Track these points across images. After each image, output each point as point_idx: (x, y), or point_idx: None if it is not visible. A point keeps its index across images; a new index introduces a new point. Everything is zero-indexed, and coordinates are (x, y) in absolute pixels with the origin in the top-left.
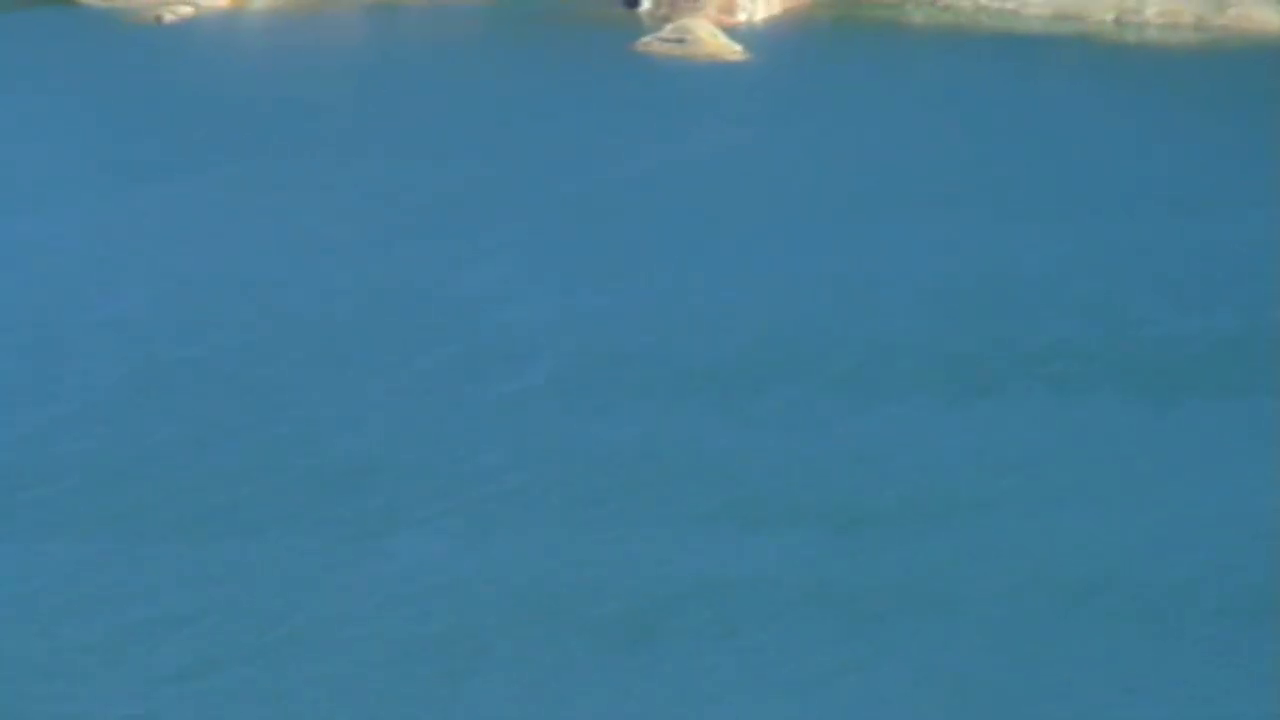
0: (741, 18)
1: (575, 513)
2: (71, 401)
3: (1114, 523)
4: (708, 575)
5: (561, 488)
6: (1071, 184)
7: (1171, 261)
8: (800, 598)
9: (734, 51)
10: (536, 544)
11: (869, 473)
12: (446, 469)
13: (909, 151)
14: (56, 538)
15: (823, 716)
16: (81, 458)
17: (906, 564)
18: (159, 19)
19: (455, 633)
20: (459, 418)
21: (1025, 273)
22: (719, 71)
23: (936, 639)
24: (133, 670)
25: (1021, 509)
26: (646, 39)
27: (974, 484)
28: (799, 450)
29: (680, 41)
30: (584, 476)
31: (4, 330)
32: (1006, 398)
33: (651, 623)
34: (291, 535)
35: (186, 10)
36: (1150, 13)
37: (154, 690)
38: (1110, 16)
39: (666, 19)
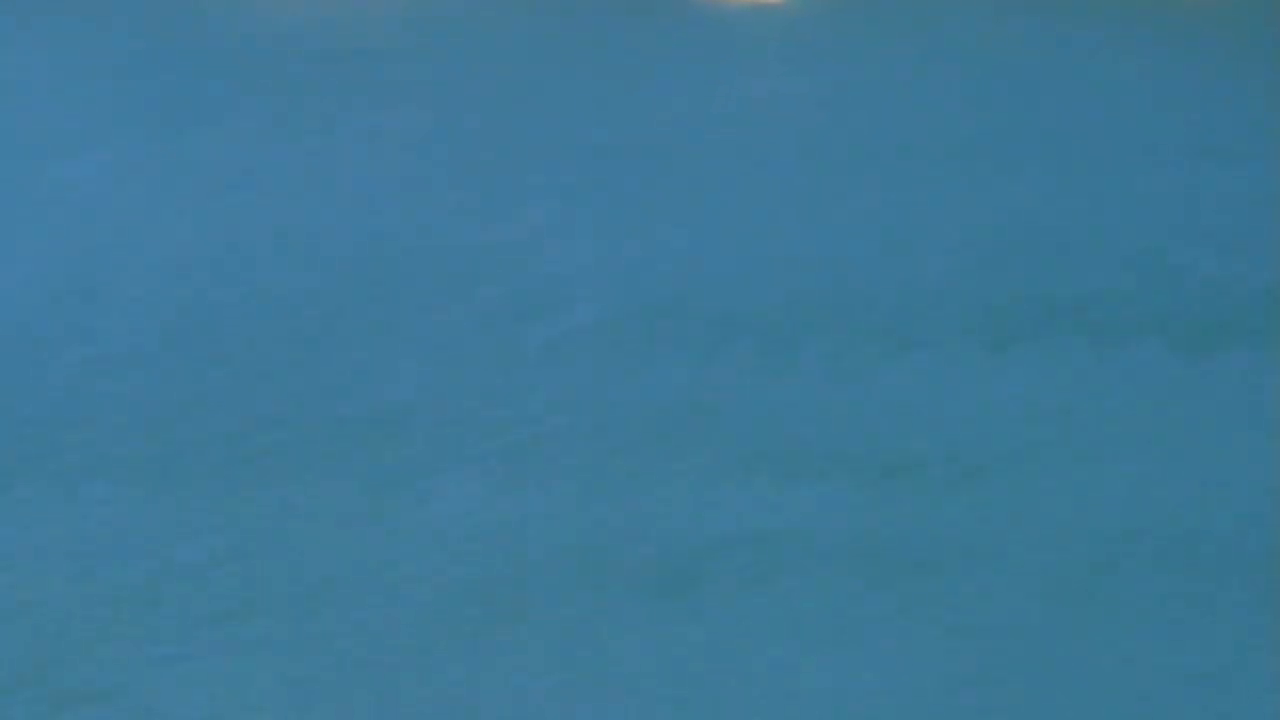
0: None
1: (613, 460)
2: (111, 344)
3: (1154, 473)
4: (745, 524)
5: (599, 435)
6: (1108, 135)
7: (1209, 209)
8: (838, 547)
9: None
10: (573, 490)
11: (906, 422)
12: (485, 414)
13: (945, 101)
14: (95, 480)
15: (860, 663)
16: (121, 400)
17: (944, 513)
18: None
19: (493, 579)
20: (496, 363)
21: (1063, 222)
22: (757, 13)
23: (975, 588)
24: (170, 613)
25: (1061, 458)
26: None
27: (1013, 433)
28: (836, 399)
29: None
30: (622, 423)
31: (43, 274)
32: (1044, 347)
33: (689, 570)
34: (331, 479)
35: None
36: None
37: (191, 634)
38: None
39: None
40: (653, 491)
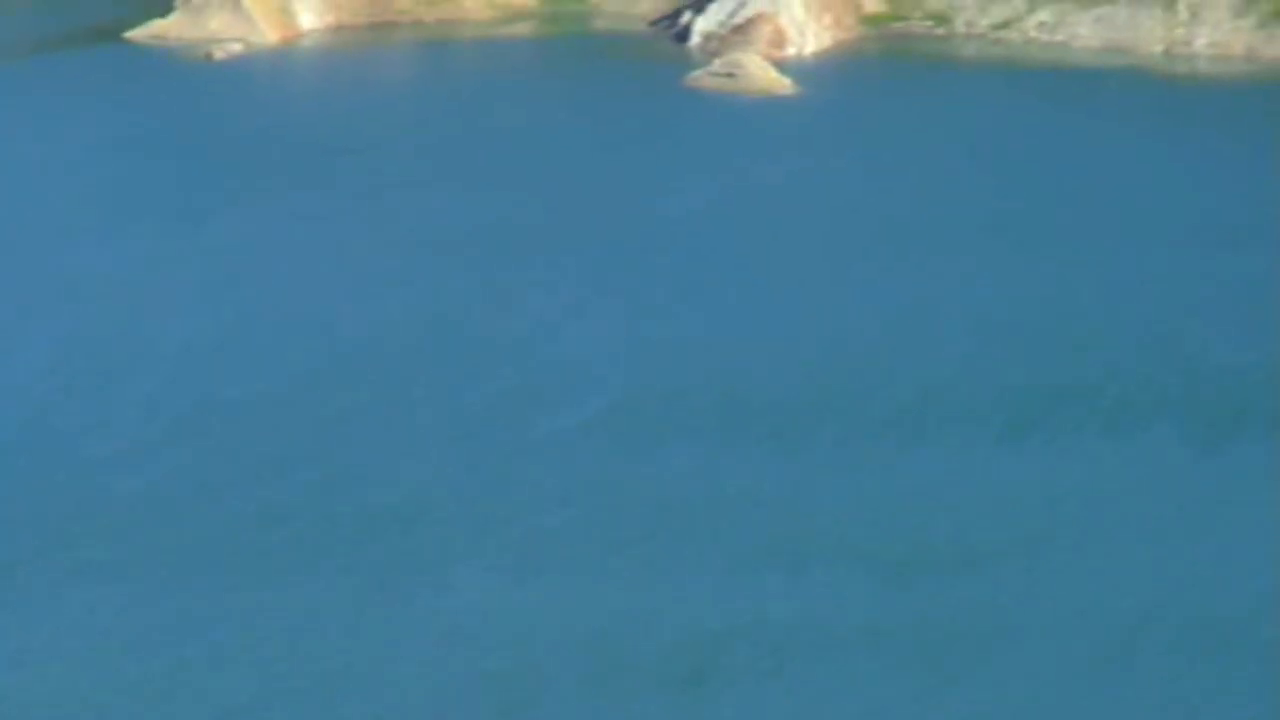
0: (791, 51)
1: (626, 551)
2: (121, 438)
3: (1167, 560)
4: (758, 615)
5: (612, 526)
6: (1123, 217)
7: (1226, 294)
8: (851, 636)
9: (784, 85)
10: (587, 583)
11: (921, 512)
12: (497, 506)
13: (959, 186)
14: (106, 573)
15: None
16: (132, 494)
17: (958, 604)
18: (209, 56)
19: (506, 673)
20: (509, 454)
21: (1077, 306)
22: (769, 106)
23: (989, 677)
24: (179, 708)
25: (1074, 545)
26: (696, 73)
27: (1025, 521)
28: (848, 488)
29: (730, 76)
30: (635, 515)
31: (61, 363)
32: (1060, 433)
33: (703, 663)
34: (340, 574)
35: (236, 47)
36: (1200, 44)
37: None
38: (1159, 48)
39: (716, 53)
40: (665, 583)
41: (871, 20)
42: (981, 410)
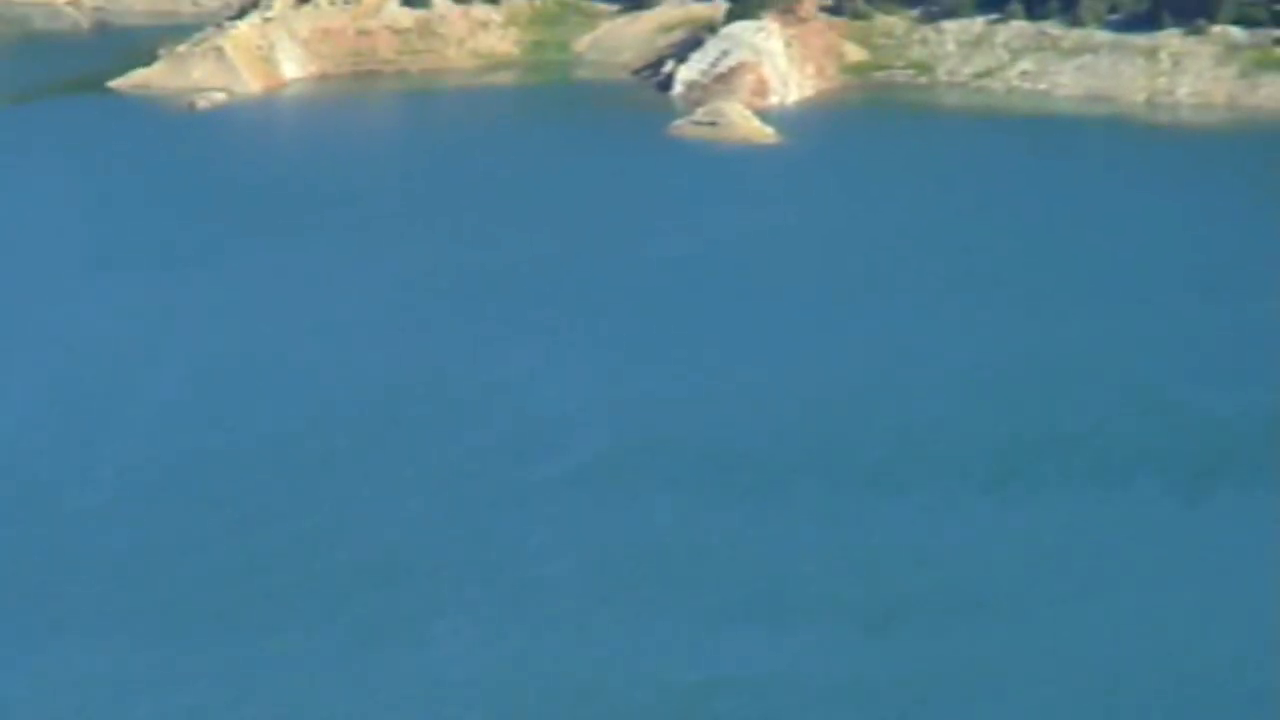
0: (774, 100)
1: (609, 604)
2: (107, 491)
3: (1151, 611)
4: (739, 668)
5: (595, 578)
6: (1105, 267)
7: (1206, 344)
8: (832, 690)
9: (765, 134)
10: (570, 635)
11: (901, 563)
12: (481, 558)
13: (940, 236)
14: (94, 625)
15: None
16: (118, 547)
17: (940, 655)
18: (192, 105)
19: None
20: (493, 505)
21: (1059, 356)
22: (751, 154)
23: None
24: None
25: (1057, 597)
26: (679, 122)
27: (1009, 573)
28: (830, 540)
29: (713, 124)
30: (617, 566)
31: (43, 416)
32: (1040, 485)
33: (684, 716)
34: (327, 625)
35: (219, 96)
36: (1182, 93)
37: None
38: (1142, 97)
39: (699, 102)
40: (648, 635)
41: (854, 69)
42: (963, 462)
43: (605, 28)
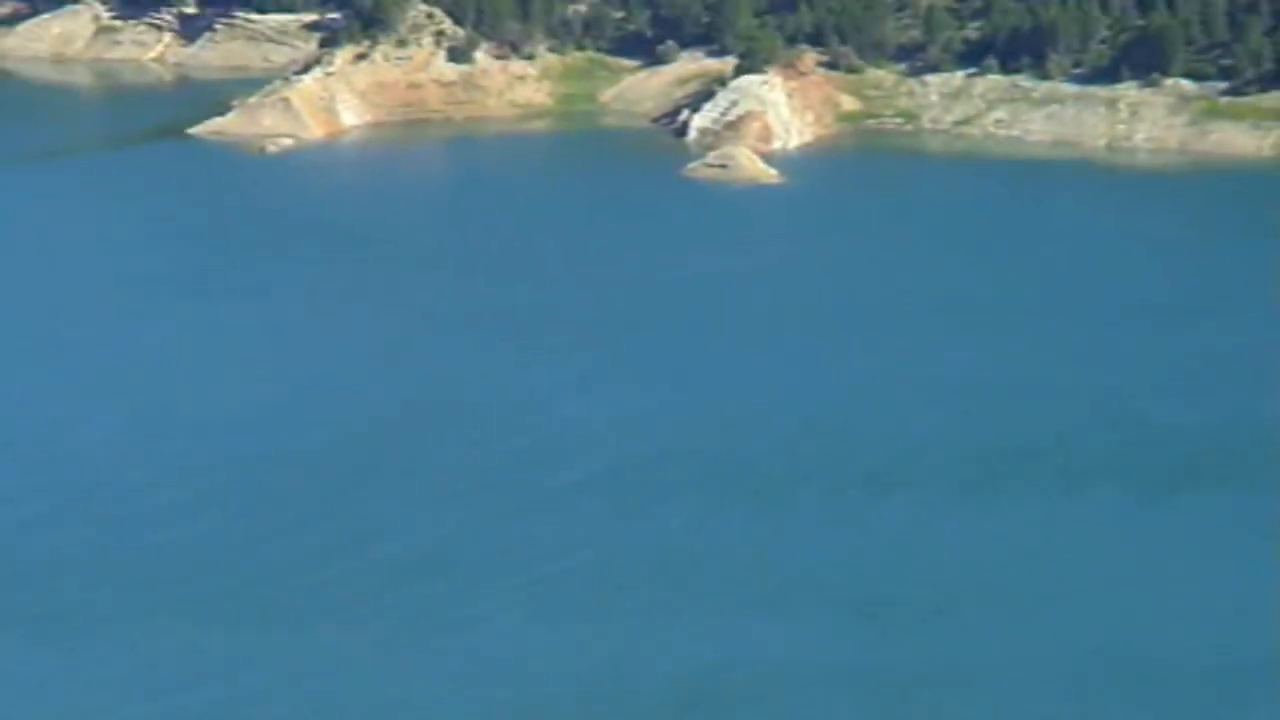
0: (777, 145)
1: (624, 596)
2: (167, 496)
3: (1118, 606)
4: (742, 653)
5: (611, 573)
6: (1071, 295)
7: (1164, 364)
8: (826, 674)
9: (770, 175)
10: (589, 624)
11: (889, 560)
12: (508, 556)
13: (927, 266)
14: (156, 617)
15: None
16: (177, 547)
17: (924, 643)
18: (263, 150)
19: (516, 706)
20: (517, 509)
21: (1031, 375)
22: (757, 194)
23: (954, 713)
24: None
25: (1031, 592)
26: (693, 164)
27: (987, 570)
28: (824, 540)
29: (723, 167)
30: (631, 563)
31: (119, 429)
32: (1016, 490)
33: (692, 694)
34: (367, 618)
35: (287, 142)
36: (1139, 138)
37: None
38: (1103, 142)
39: (711, 146)
40: (660, 624)
41: (848, 117)
42: (947, 470)
43: (628, 81)
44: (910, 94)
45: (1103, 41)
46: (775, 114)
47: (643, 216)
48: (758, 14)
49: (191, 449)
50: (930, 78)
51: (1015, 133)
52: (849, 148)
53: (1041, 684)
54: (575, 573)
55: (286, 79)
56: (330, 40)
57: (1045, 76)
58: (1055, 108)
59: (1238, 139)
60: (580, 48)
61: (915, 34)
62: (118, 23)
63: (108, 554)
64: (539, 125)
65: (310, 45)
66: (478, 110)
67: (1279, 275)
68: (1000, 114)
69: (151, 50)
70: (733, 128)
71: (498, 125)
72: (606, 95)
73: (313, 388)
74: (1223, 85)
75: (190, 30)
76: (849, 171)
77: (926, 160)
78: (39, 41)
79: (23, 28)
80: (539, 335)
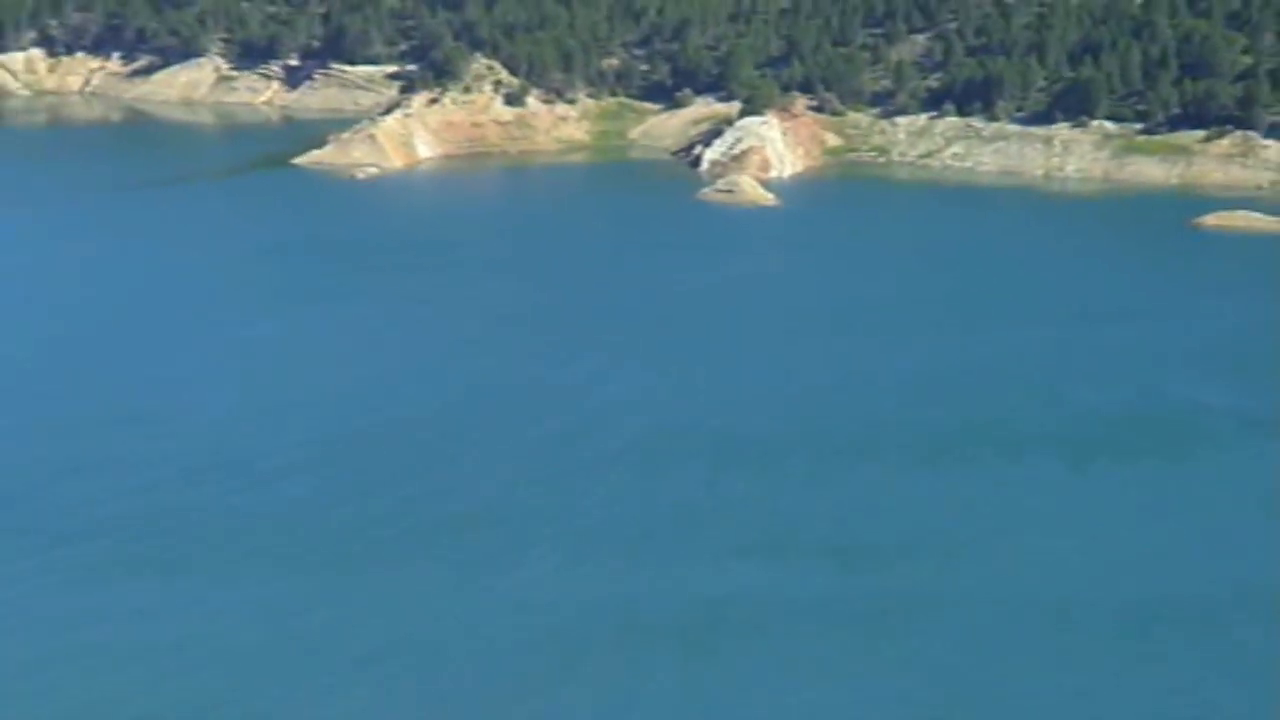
0: (774, 174)
1: (648, 542)
2: (278, 460)
3: (1043, 550)
4: (744, 588)
5: (638, 524)
6: (1012, 298)
7: (1087, 355)
8: (813, 603)
9: (768, 199)
10: (620, 564)
11: (863, 514)
12: (554, 509)
13: (897, 275)
14: (268, 559)
15: (835, 684)
16: (285, 502)
17: (891, 580)
18: (353, 177)
19: (561, 629)
20: (562, 471)
21: (978, 365)
22: (758, 214)
23: (916, 632)
24: (319, 658)
25: (974, 539)
26: (705, 190)
27: (940, 522)
28: (811, 498)
29: (730, 192)
30: (654, 516)
31: (238, 406)
32: (963, 459)
33: (705, 621)
34: (439, 559)
35: (373, 170)
36: (1070, 169)
37: (342, 675)
38: (1040, 172)
39: (720, 175)
40: (674, 565)
41: (832, 151)
42: (908, 443)
43: (652, 121)
44: (882, 132)
45: (1040, 90)
46: (772, 148)
47: (664, 232)
48: (758, 66)
49: (297, 423)
50: (899, 119)
51: (969, 164)
52: (833, 176)
53: (986, 612)
54: (606, 524)
55: (372, 119)
56: (408, 87)
57: (993, 118)
58: (1001, 144)
59: (1150, 170)
60: (613, 94)
61: (887, 83)
62: (235, 73)
63: (227, 508)
64: (578, 157)
65: (392, 91)
66: (529, 145)
67: (1183, 280)
68: (956, 149)
69: (262, 95)
70: (738, 160)
71: (545, 157)
72: (634, 133)
73: (394, 373)
74: (1138, 126)
75: (294, 79)
76: (833, 195)
77: (896, 186)
78: (170, 88)
79: (157, 77)
80: (578, 329)
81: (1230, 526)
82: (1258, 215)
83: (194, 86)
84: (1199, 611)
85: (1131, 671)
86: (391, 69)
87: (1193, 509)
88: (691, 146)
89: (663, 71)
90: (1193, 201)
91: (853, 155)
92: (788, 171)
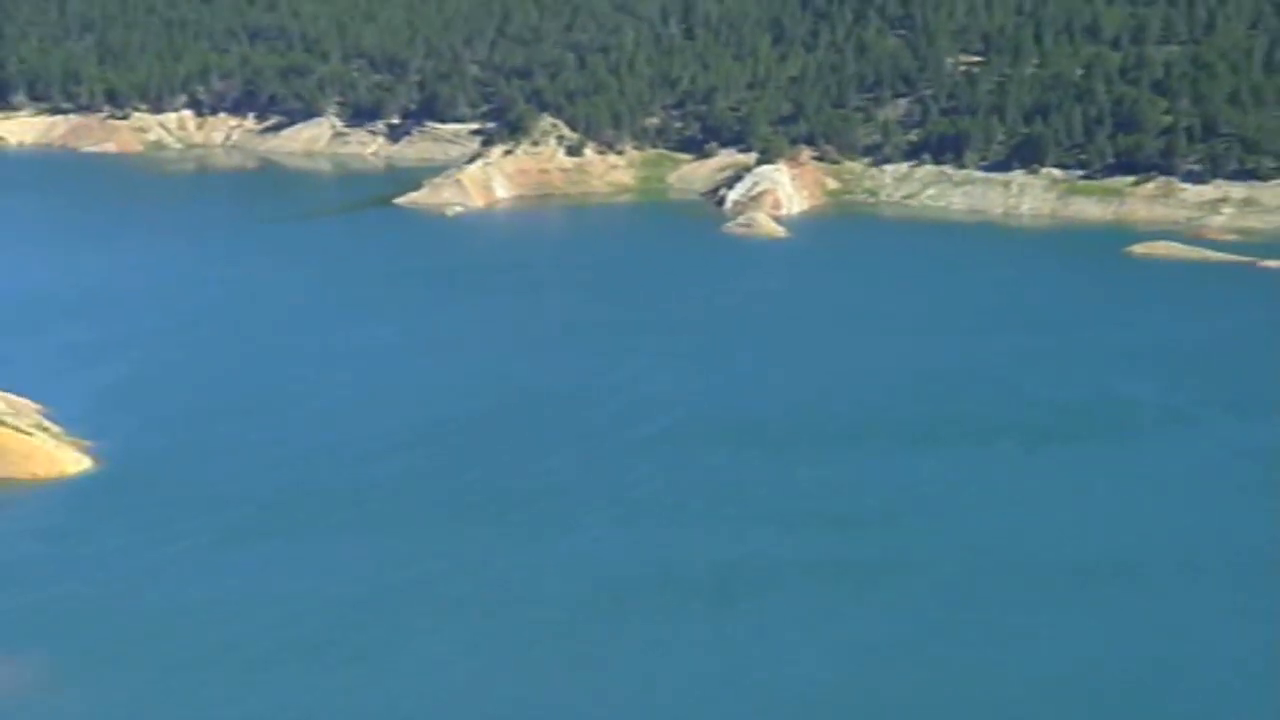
0: (784, 212)
1: (682, 511)
2: (380, 442)
3: (1004, 521)
4: (760, 552)
5: (673, 497)
6: (977, 312)
7: (1043, 358)
8: (818, 565)
9: (780, 232)
10: (659, 530)
11: (857, 490)
12: (604, 484)
13: (887, 293)
14: (362, 530)
15: (832, 631)
16: (386, 478)
17: (881, 544)
18: (443, 213)
19: (611, 580)
20: (611, 453)
21: (952, 367)
22: (772, 244)
23: (903, 589)
24: (418, 606)
25: (950, 512)
26: (728, 224)
27: (921, 497)
28: (814, 477)
29: (749, 226)
30: (686, 490)
31: (337, 400)
32: (939, 444)
33: (727, 578)
34: (510, 524)
35: (459, 208)
36: (1025, 209)
37: (434, 617)
38: (1000, 211)
39: (740, 212)
40: (705, 531)
41: (831, 193)
42: (895, 431)
43: (685, 168)
44: (872, 178)
45: (1000, 143)
46: (783, 190)
47: (695, 258)
48: (771, 124)
49: (397, 412)
50: (886, 167)
51: (943, 204)
52: (832, 214)
53: (958, 568)
54: (647, 496)
55: (459, 167)
56: (488, 141)
57: (962, 166)
58: (969, 187)
59: (1089, 208)
60: (654, 146)
61: (876, 138)
62: (347, 130)
63: (324, 486)
64: (626, 198)
65: (475, 144)
66: (586, 188)
67: (1117, 298)
68: (932, 191)
69: (369, 148)
70: (755, 200)
71: (598, 198)
72: (671, 178)
73: (477, 372)
74: (1080, 173)
75: (395, 135)
76: (832, 229)
77: (884, 223)
78: (295, 142)
79: (284, 133)
80: (625, 337)
81: (1158, 498)
82: (1178, 245)
83: (314, 141)
84: (1131, 566)
85: (1072, 612)
86: (474, 126)
87: (1127, 484)
88: (718, 189)
89: (694, 128)
90: (1124, 234)
91: (848, 196)
92: (795, 210)
